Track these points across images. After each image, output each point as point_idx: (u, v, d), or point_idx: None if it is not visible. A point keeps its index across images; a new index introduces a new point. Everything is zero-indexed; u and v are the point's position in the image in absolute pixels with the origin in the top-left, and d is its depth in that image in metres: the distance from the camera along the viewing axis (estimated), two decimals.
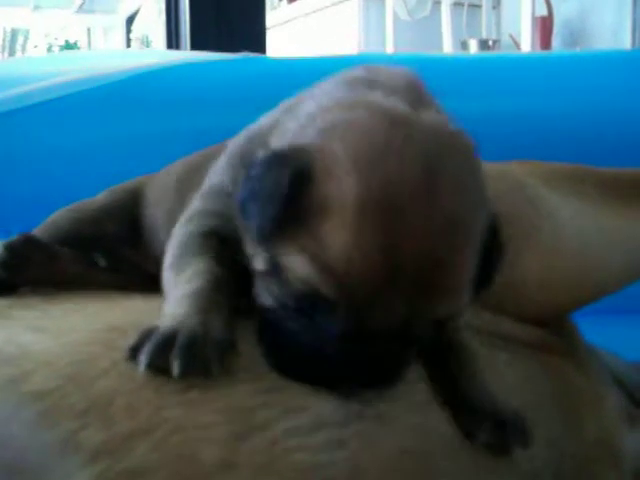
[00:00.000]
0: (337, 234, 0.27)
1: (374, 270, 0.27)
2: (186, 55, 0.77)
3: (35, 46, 7.35)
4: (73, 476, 0.26)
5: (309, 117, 0.32)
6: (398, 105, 0.31)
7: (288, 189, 0.28)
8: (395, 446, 0.29)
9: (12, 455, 0.27)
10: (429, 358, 0.34)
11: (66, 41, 6.74)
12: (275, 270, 0.30)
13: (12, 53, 8.04)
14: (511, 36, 2.44)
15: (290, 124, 0.33)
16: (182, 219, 0.39)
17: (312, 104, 0.33)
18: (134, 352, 0.29)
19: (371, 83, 0.33)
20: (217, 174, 0.38)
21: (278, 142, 0.33)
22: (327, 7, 3.03)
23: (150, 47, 5.51)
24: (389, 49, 2.88)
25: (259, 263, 0.31)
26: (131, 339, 0.30)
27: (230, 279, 0.34)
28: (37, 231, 0.48)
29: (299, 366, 0.30)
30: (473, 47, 2.51)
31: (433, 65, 0.88)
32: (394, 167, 0.28)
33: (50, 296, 0.41)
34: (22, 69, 0.72)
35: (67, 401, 0.29)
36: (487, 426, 0.31)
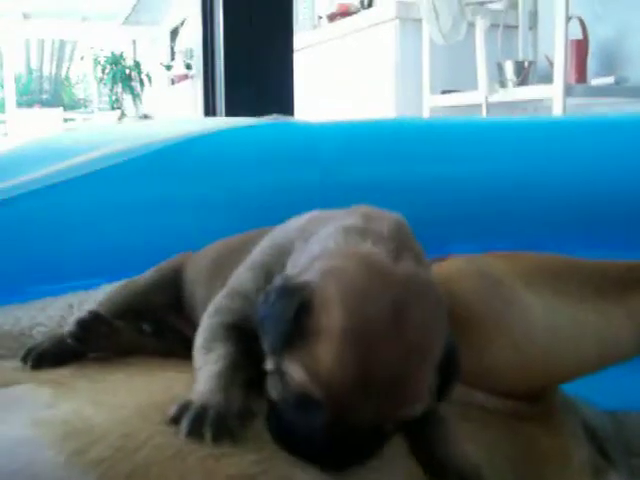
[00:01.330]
0: (325, 354, 0.37)
1: (350, 383, 0.36)
2: (219, 123, 0.87)
3: (82, 57, 7.60)
4: None
5: (314, 258, 0.42)
6: (381, 256, 0.40)
7: (293, 316, 0.38)
8: None
9: None
10: (411, 430, 0.43)
11: (112, 53, 6.97)
12: (279, 372, 0.39)
13: (60, 64, 8.32)
14: (547, 57, 2.48)
15: (302, 258, 0.43)
16: (210, 309, 0.49)
17: (316, 247, 0.43)
18: (175, 421, 0.39)
19: (364, 232, 0.43)
20: (242, 280, 0.48)
21: (291, 270, 0.43)
22: (364, 29, 3.11)
23: (193, 58, 5.70)
24: (425, 72, 2.93)
25: (269, 364, 0.40)
26: (170, 411, 0.40)
27: (245, 362, 0.43)
28: (97, 305, 0.58)
29: (293, 444, 0.39)
30: (509, 69, 2.56)
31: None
32: (371, 308, 0.38)
33: (107, 365, 0.52)
34: (81, 139, 0.82)
35: (116, 468, 0.38)
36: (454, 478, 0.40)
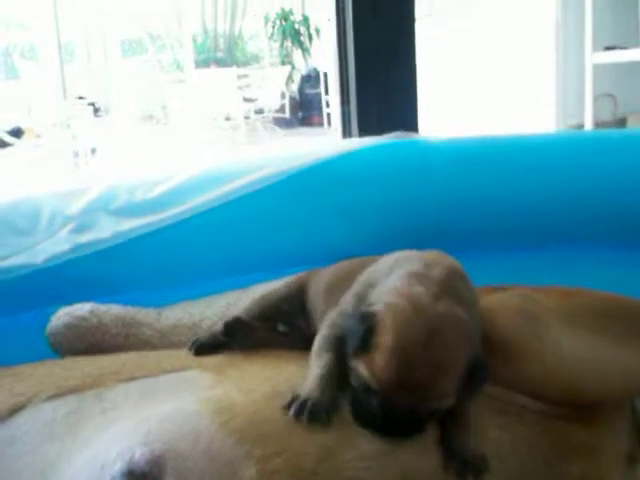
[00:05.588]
0: (379, 361, 0.58)
1: (393, 382, 0.57)
2: (348, 144, 1.06)
3: (254, 14, 8.02)
4: (243, 466, 0.57)
5: (385, 293, 0.61)
6: (425, 297, 0.59)
7: (362, 335, 0.59)
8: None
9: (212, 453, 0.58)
10: (443, 422, 0.62)
11: (282, 8, 7.29)
12: (355, 369, 0.60)
13: (233, 21, 8.82)
14: None
15: (380, 292, 0.62)
16: (326, 322, 0.70)
17: (388, 286, 0.62)
18: (288, 407, 0.61)
19: (421, 277, 0.62)
20: (347, 303, 0.68)
21: (372, 299, 0.62)
22: None
23: None
24: (587, 27, 2.87)
25: (350, 363, 0.61)
26: (286, 399, 0.62)
27: (341, 366, 0.64)
28: (242, 311, 0.81)
29: (362, 419, 0.60)
30: None
31: None
32: (410, 335, 0.57)
33: (249, 356, 0.74)
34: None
35: (247, 435, 0.60)
36: (457, 464, 0.59)
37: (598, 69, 2.88)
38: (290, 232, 1.03)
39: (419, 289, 0.60)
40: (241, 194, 0.99)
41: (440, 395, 0.58)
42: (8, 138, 6.14)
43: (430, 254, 0.68)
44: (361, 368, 0.59)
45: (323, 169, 1.03)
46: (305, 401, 0.61)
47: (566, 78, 3.23)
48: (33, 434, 0.65)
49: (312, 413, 0.60)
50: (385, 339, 0.58)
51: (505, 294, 0.74)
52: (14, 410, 0.67)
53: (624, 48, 2.72)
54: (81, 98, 6.77)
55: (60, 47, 7.28)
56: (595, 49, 2.86)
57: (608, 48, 2.82)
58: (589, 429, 0.70)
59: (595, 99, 2.97)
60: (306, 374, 0.65)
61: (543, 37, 2.99)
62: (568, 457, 0.68)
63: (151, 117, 7.43)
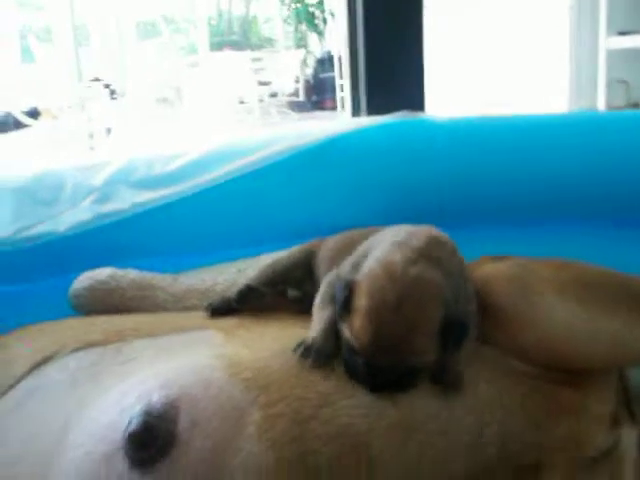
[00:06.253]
0: (357, 323, 0.63)
1: (369, 340, 0.62)
2: (357, 122, 1.11)
3: None
4: (249, 411, 0.62)
5: (368, 262, 0.67)
6: (400, 263, 0.65)
7: (344, 300, 0.65)
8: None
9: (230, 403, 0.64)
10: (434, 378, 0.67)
11: None
12: (341, 332, 0.66)
13: (247, 4, 8.85)
14: None
15: (365, 263, 0.68)
16: (324, 281, 0.75)
17: (372, 256, 0.67)
18: (295, 350, 0.67)
19: (401, 245, 0.67)
20: (344, 268, 0.73)
21: (360, 269, 0.67)
22: None
23: None
24: (602, 11, 2.88)
25: (338, 325, 0.67)
26: (293, 344, 0.68)
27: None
28: (251, 278, 0.87)
29: (351, 374, 0.65)
30: None
31: None
32: (382, 298, 0.63)
33: (259, 319, 0.80)
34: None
35: (256, 382, 0.65)
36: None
37: (612, 54, 2.90)
38: (299, 206, 1.08)
39: (396, 256, 0.66)
40: (253, 169, 1.05)
41: (416, 352, 0.63)
42: (25, 119, 6.23)
43: (419, 227, 0.72)
44: (345, 330, 0.66)
45: (331, 146, 1.08)
46: (310, 346, 0.68)
47: (579, 63, 3.24)
48: (58, 383, 0.71)
49: (316, 356, 0.67)
50: (361, 303, 0.64)
51: (502, 263, 0.79)
52: (40, 362, 0.73)
53: (638, 33, 2.73)
54: (96, 80, 6.84)
55: (74, 29, 7.34)
56: (609, 34, 2.87)
57: (622, 33, 2.83)
58: (576, 392, 0.75)
59: (608, 85, 2.99)
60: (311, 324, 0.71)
61: (556, 21, 3.00)
62: (555, 417, 0.72)
63: (165, 100, 7.49)
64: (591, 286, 0.78)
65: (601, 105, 3.02)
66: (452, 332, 0.64)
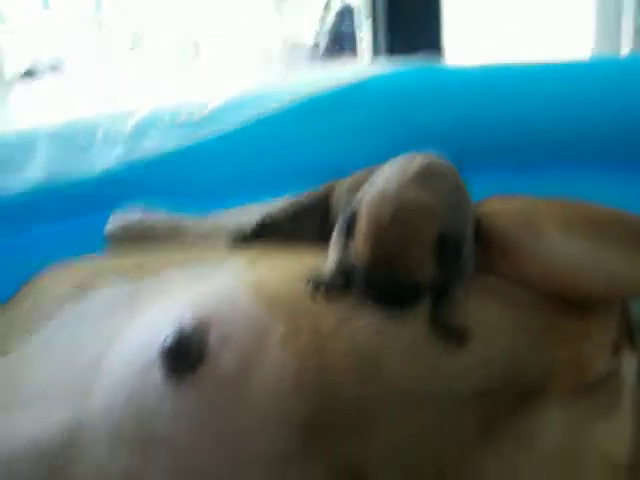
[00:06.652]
0: (357, 245, 0.69)
1: (369, 260, 0.68)
2: (375, 69, 1.16)
3: None
4: (273, 326, 0.69)
5: (367, 193, 0.72)
6: (393, 186, 0.70)
7: (347, 225, 0.71)
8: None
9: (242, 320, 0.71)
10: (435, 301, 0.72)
11: None
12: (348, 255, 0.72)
13: None
14: None
15: (367, 189, 0.73)
16: (340, 218, 0.80)
17: (371, 185, 0.73)
18: (307, 283, 0.73)
19: (399, 172, 0.72)
20: (354, 201, 0.78)
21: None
22: None
23: None
24: None
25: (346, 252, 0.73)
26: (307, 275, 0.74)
27: None
28: (272, 213, 0.93)
29: (363, 295, 0.70)
30: None
31: None
32: (378, 219, 0.68)
33: (279, 250, 0.86)
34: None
35: (279, 303, 0.71)
36: (443, 332, 0.70)
37: None
38: (320, 149, 1.14)
39: (392, 181, 0.71)
40: (276, 114, 1.10)
41: (412, 267, 0.68)
42: (43, 69, 6.26)
43: (417, 154, 0.77)
44: (350, 253, 0.71)
45: (351, 92, 1.14)
46: (322, 277, 0.73)
47: (605, 8, 3.19)
48: (99, 308, 0.78)
49: (328, 288, 0.72)
50: (360, 227, 0.69)
51: (510, 200, 0.84)
52: (82, 289, 0.81)
53: None
54: (115, 30, 6.82)
55: None
56: None
57: None
58: (580, 321, 0.80)
59: (636, 31, 2.94)
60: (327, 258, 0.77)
61: None
62: (558, 342, 0.78)
63: (185, 49, 7.46)
64: (595, 223, 0.83)
65: (626, 50, 2.98)
66: (447, 250, 0.69)
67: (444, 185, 0.73)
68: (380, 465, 0.67)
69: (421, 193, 0.70)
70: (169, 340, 0.67)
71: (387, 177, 0.72)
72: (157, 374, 0.66)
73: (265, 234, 0.88)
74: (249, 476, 0.64)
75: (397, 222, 0.68)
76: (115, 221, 0.98)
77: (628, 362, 0.84)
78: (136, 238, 0.97)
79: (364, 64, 1.43)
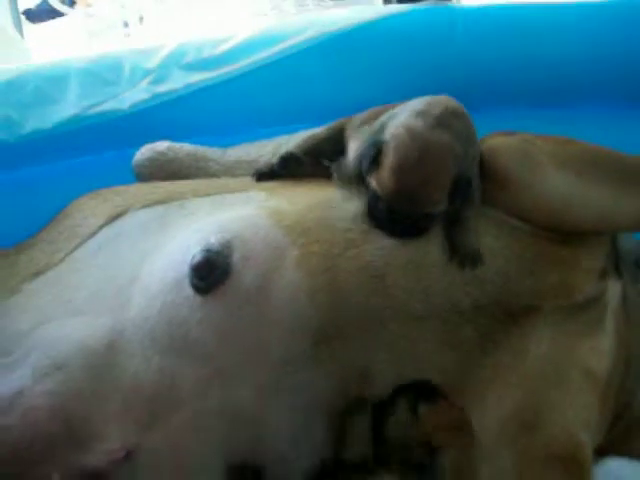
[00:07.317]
0: (383, 175, 0.77)
1: (393, 190, 0.76)
2: (386, 10, 1.21)
3: None
4: (289, 249, 0.77)
5: (392, 126, 0.80)
6: (418, 125, 0.78)
7: (373, 155, 0.78)
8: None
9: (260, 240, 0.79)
10: (447, 228, 0.81)
11: None
12: (368, 183, 0.80)
13: None
14: None
15: (390, 125, 0.80)
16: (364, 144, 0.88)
17: (395, 120, 0.80)
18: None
19: (422, 113, 0.79)
20: (374, 127, 0.86)
21: (385, 132, 0.80)
22: None
23: None
24: None
25: (365, 179, 0.81)
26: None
27: None
28: (292, 147, 0.99)
29: (377, 223, 0.79)
30: None
31: None
32: (405, 155, 0.76)
33: (298, 182, 0.93)
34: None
35: (295, 228, 0.79)
36: (458, 255, 0.79)
37: None
38: (331, 87, 1.20)
39: (418, 121, 0.78)
40: (291, 52, 1.16)
41: (432, 201, 0.77)
42: (61, 7, 6.24)
43: (438, 97, 0.84)
44: (372, 181, 0.79)
45: (361, 31, 1.20)
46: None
47: None
48: (132, 233, 0.86)
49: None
50: (388, 160, 0.77)
51: (510, 137, 0.91)
52: (117, 215, 0.89)
53: None
54: None
55: None
56: None
57: None
58: (569, 249, 0.87)
59: None
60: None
61: None
62: (548, 266, 0.85)
63: None
64: (588, 161, 0.89)
65: None
66: (460, 187, 0.78)
67: (462, 127, 0.80)
68: (384, 369, 0.76)
69: (444, 135, 0.77)
70: (197, 258, 0.75)
71: (411, 116, 0.79)
72: (187, 288, 0.75)
73: (287, 167, 0.95)
74: (266, 376, 0.74)
75: (423, 162, 0.75)
76: (143, 153, 1.05)
77: (613, 287, 0.91)
78: (163, 169, 1.05)
79: (375, 6, 1.48)
